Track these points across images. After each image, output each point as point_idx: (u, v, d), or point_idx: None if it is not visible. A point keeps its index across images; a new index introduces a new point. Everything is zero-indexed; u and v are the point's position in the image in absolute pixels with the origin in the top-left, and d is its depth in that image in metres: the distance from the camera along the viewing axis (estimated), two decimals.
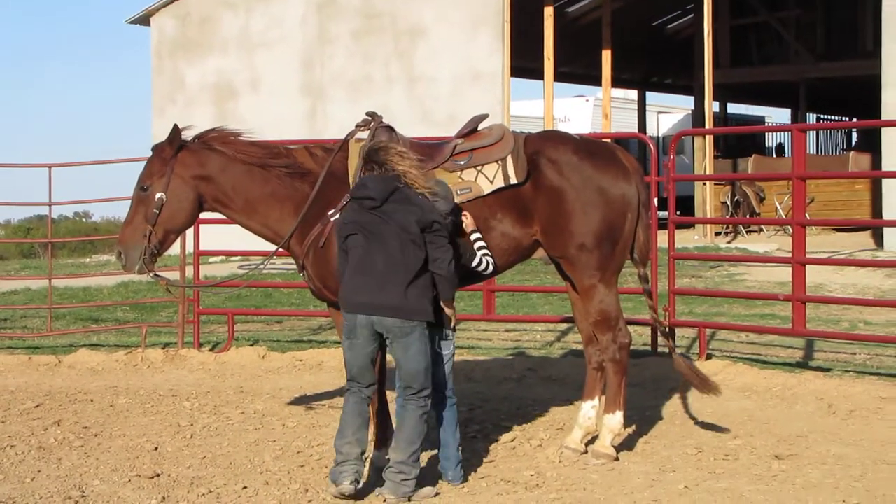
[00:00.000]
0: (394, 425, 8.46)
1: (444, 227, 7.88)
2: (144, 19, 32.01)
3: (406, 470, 7.73)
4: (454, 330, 8.28)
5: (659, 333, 9.62)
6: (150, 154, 8.76)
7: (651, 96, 48.51)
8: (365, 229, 7.81)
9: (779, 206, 30.88)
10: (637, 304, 14.48)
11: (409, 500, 7.73)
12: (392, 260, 7.71)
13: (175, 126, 8.67)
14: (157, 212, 8.56)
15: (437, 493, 7.90)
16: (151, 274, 8.81)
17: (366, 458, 7.98)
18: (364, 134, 8.85)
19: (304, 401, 11.10)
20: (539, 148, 8.83)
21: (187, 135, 8.74)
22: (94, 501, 7.85)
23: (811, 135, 49.69)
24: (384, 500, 7.73)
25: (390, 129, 8.81)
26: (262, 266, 10.06)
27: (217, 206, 8.77)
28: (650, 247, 9.63)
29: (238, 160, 8.65)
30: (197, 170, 8.62)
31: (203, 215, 9.13)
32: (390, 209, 7.79)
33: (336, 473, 7.82)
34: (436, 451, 8.36)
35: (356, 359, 7.87)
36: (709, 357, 12.44)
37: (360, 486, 7.85)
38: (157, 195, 8.55)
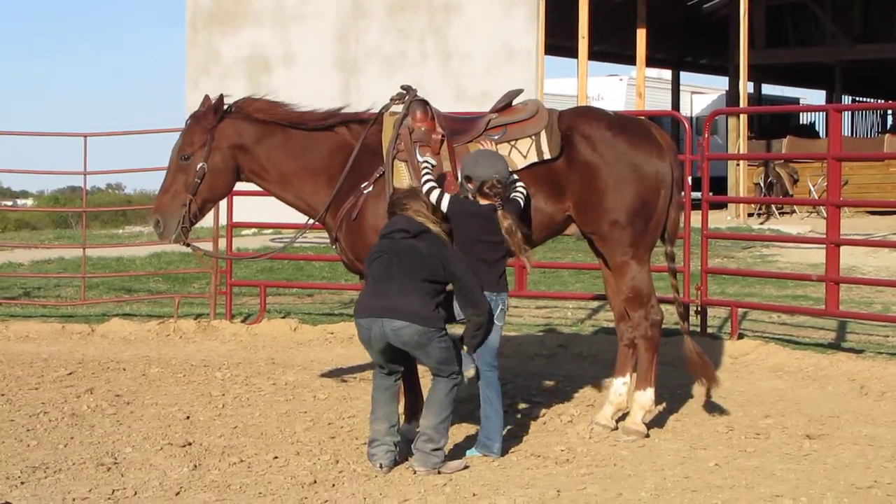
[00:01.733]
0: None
1: (469, 275, 7.92)
2: None
3: (436, 437, 7.76)
4: (506, 307, 8.32)
5: (678, 313, 9.54)
6: (186, 123, 8.75)
7: (685, 76, 48.28)
8: (391, 251, 7.85)
9: (812, 189, 30.73)
10: (669, 283, 14.45)
11: (439, 472, 7.75)
12: (414, 271, 7.74)
13: (220, 95, 8.66)
14: (199, 181, 8.55)
15: (465, 466, 7.91)
16: (187, 243, 8.82)
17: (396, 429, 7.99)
18: (399, 108, 8.85)
19: (335, 373, 11.14)
20: (573, 124, 8.81)
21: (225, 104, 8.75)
22: (127, 468, 7.90)
23: (846, 117, 49.40)
24: (414, 472, 7.76)
25: (425, 102, 8.82)
26: (295, 239, 10.08)
27: (252, 177, 8.78)
28: (681, 226, 9.58)
29: (277, 125, 8.64)
30: (236, 139, 8.61)
31: (236, 186, 9.14)
32: (421, 238, 7.87)
33: (369, 455, 7.92)
34: (465, 423, 8.38)
35: (377, 358, 7.94)
36: (740, 337, 12.41)
37: (395, 464, 7.88)
38: (199, 165, 8.54)
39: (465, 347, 8.11)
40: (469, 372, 8.04)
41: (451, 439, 8.11)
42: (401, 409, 8.42)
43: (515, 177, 8.46)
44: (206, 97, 8.73)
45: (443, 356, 7.77)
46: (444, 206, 8.07)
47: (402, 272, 7.73)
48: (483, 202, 8.17)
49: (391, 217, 8.09)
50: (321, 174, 8.71)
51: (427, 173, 8.27)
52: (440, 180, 8.36)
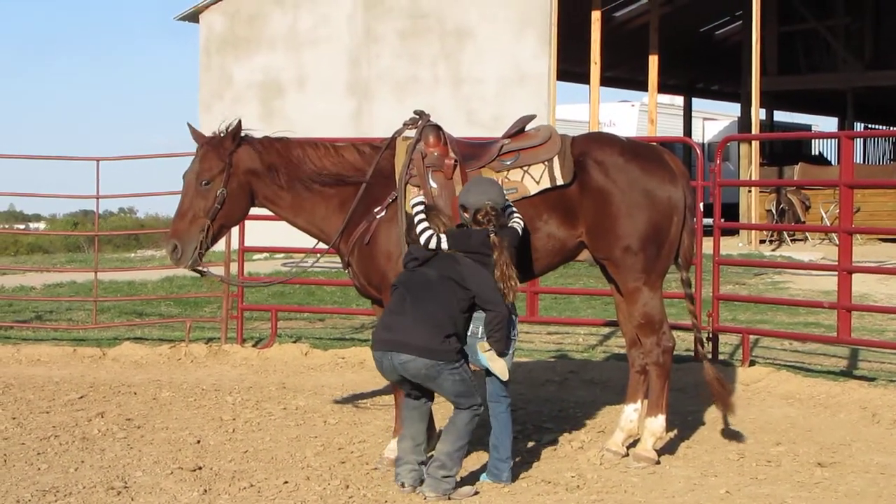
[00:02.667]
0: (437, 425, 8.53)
1: (483, 282, 7.92)
2: (193, 16, 32.14)
3: (448, 465, 7.77)
4: (516, 334, 8.30)
5: (695, 338, 9.50)
6: (203, 149, 8.70)
7: (697, 102, 48.35)
8: (403, 283, 7.94)
9: (824, 216, 30.70)
10: (681, 310, 14.36)
11: (449, 498, 7.74)
12: (425, 301, 7.81)
13: (238, 121, 8.64)
14: (219, 206, 8.52)
15: (476, 493, 7.91)
16: (201, 270, 8.81)
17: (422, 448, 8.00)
18: (412, 132, 8.86)
19: (346, 398, 11.13)
20: (586, 149, 8.81)
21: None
22: (137, 492, 7.89)
23: (857, 144, 49.37)
24: (425, 498, 7.75)
25: (438, 127, 8.82)
26: (308, 264, 10.06)
27: (266, 203, 8.77)
28: (694, 251, 9.57)
29: (284, 168, 8.65)
30: (252, 166, 8.61)
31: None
32: (431, 264, 7.92)
33: (396, 474, 7.99)
34: (476, 451, 8.37)
35: (400, 386, 8.03)
36: (752, 364, 12.38)
37: (419, 484, 7.87)
38: (219, 190, 8.51)
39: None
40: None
41: (465, 465, 8.09)
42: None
43: (512, 207, 8.44)
44: (238, 121, 8.69)
45: (458, 389, 7.79)
46: (444, 246, 8.07)
47: (414, 304, 7.80)
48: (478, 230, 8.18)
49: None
50: (333, 198, 8.72)
51: (421, 219, 8.25)
52: (433, 213, 8.34)
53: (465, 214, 8.20)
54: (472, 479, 8.16)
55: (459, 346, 7.88)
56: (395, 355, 7.75)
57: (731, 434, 9.48)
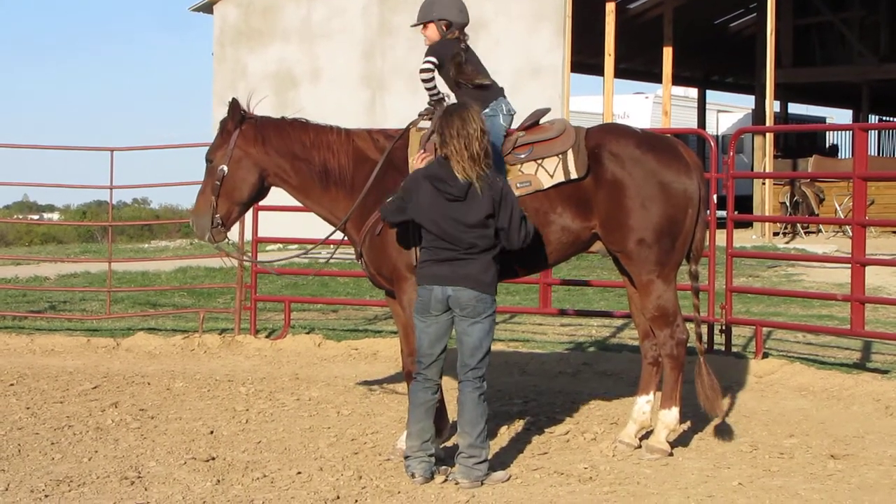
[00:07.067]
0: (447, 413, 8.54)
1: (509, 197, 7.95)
2: (208, 7, 32.13)
3: (476, 453, 7.82)
4: None
5: (696, 333, 9.32)
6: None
7: (711, 95, 48.28)
8: (443, 219, 7.85)
9: (838, 208, 30.64)
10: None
11: (482, 483, 7.80)
12: (470, 237, 7.80)
13: (234, 100, 8.76)
14: (219, 184, 8.64)
15: (509, 477, 7.97)
16: (217, 244, 8.85)
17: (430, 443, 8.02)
18: (426, 123, 8.87)
19: (359, 389, 11.14)
20: (601, 141, 8.79)
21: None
22: (150, 482, 7.91)
23: (872, 136, 49.24)
24: (456, 483, 7.80)
25: None
26: (318, 248, 10.04)
27: (277, 182, 8.83)
28: (706, 245, 9.51)
29: (295, 150, 8.72)
30: (257, 144, 8.70)
31: (261, 203, 9.15)
32: (470, 199, 7.84)
33: (406, 466, 8.02)
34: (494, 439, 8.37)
35: (429, 345, 7.98)
36: (765, 356, 12.35)
37: (431, 477, 7.92)
38: (220, 168, 8.65)
39: None
40: None
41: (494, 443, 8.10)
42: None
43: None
44: (234, 100, 8.81)
45: (484, 343, 7.88)
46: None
47: (459, 237, 7.82)
48: None
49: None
50: (344, 183, 8.77)
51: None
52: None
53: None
54: (497, 462, 8.17)
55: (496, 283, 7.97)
56: (448, 287, 7.82)
57: (722, 431, 9.24)
